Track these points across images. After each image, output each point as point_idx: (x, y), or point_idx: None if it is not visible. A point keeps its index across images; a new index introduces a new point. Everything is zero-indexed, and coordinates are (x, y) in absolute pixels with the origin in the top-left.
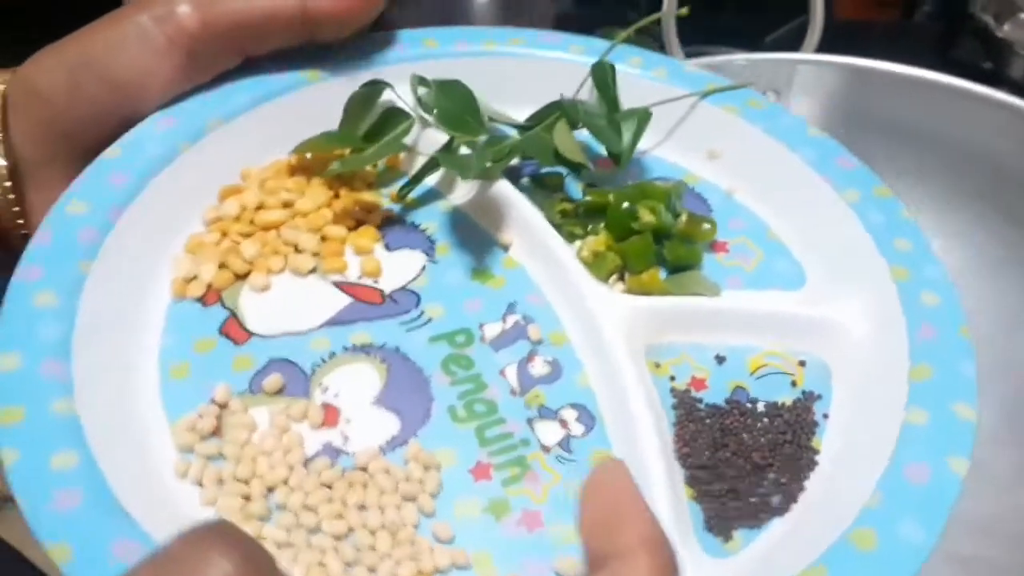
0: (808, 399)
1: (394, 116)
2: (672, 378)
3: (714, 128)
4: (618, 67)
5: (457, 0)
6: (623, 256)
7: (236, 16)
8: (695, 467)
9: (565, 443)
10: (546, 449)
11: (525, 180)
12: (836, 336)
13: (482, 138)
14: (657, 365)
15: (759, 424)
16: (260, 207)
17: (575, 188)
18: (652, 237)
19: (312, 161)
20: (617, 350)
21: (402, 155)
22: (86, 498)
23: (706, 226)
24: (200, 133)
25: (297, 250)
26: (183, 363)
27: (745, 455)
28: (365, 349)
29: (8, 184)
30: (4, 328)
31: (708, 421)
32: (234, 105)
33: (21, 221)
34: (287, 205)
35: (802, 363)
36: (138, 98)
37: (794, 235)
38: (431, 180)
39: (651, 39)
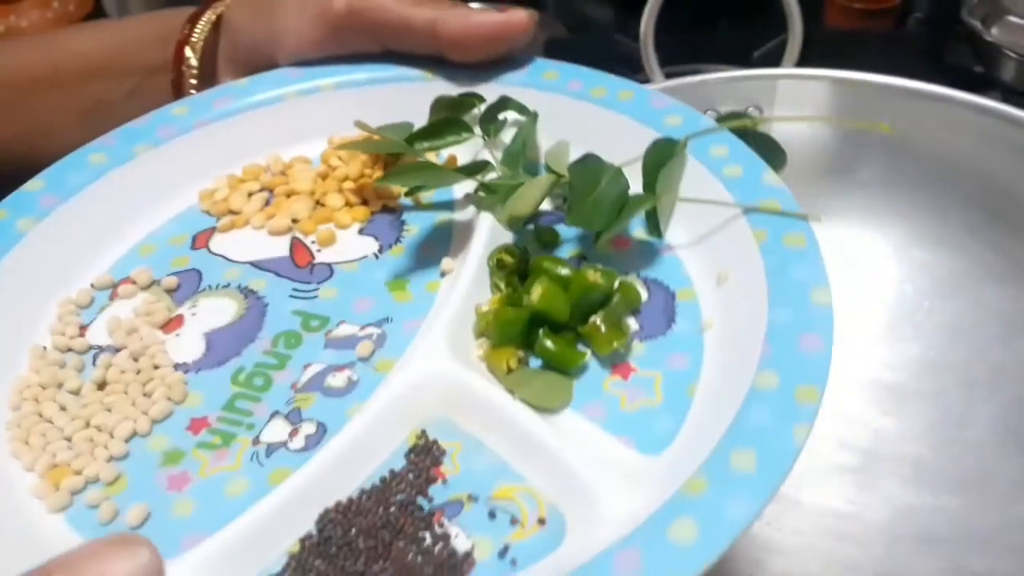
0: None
1: (456, 126)
2: (416, 450)
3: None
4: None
5: None
6: (502, 332)
7: (375, 13)
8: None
9: (273, 448)
10: (256, 441)
11: (530, 225)
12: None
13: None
14: (422, 433)
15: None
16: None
17: (572, 246)
18: (528, 319)
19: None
20: (389, 409)
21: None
22: None
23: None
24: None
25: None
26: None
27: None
28: (244, 291)
29: (194, 81)
30: None
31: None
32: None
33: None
34: (333, 168)
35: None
36: (281, 50)
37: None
38: (456, 192)
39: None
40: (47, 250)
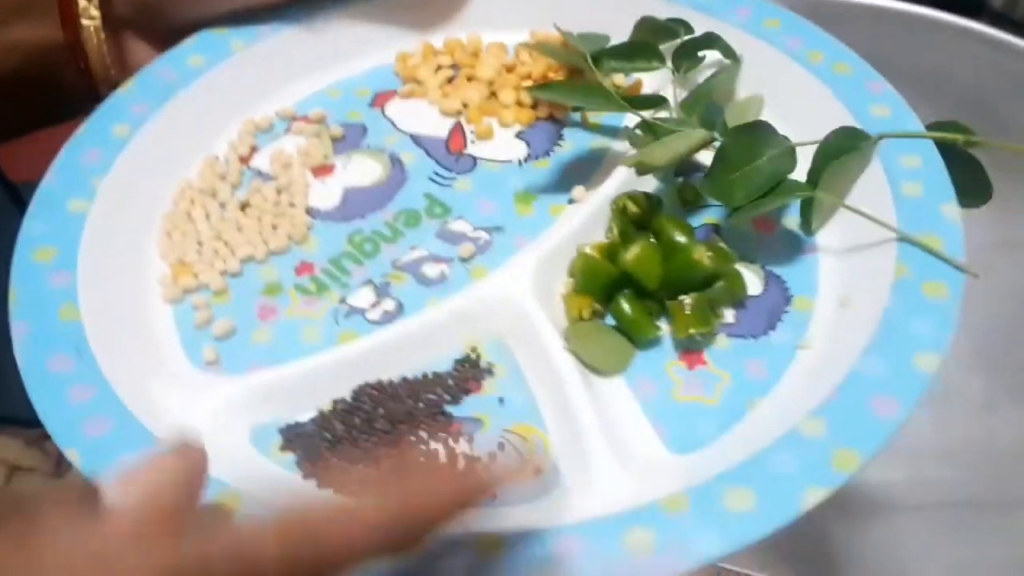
0: None
1: (647, 52)
2: (465, 360)
3: None
4: None
5: None
6: (586, 281)
7: None
8: None
9: (353, 312)
10: (342, 301)
11: (680, 178)
12: None
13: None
14: (475, 348)
15: None
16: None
17: (714, 212)
18: (617, 277)
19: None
20: (459, 315)
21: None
22: None
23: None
24: None
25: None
26: None
27: None
28: (394, 159)
29: (103, 37)
30: None
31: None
32: None
33: (113, 72)
34: (521, 63)
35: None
36: None
37: None
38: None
39: None
40: (249, 72)
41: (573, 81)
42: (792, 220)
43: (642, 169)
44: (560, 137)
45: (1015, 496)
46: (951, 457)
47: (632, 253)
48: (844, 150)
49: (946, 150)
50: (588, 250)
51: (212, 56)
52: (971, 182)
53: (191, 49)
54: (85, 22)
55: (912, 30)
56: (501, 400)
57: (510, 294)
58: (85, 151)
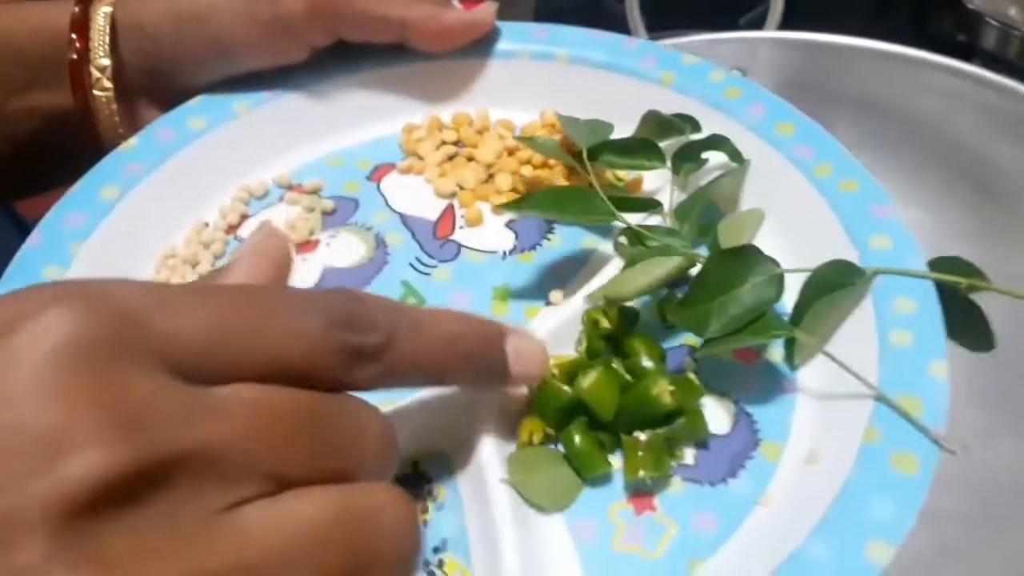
0: None
1: (647, 150)
2: (404, 480)
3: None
4: None
5: None
6: (540, 404)
7: (341, 9)
8: None
9: None
10: None
11: (664, 290)
12: None
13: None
14: (416, 464)
15: None
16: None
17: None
18: (571, 403)
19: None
20: (402, 423)
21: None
22: None
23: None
24: None
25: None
26: None
27: None
28: (379, 240)
29: (115, 107)
30: None
31: None
32: None
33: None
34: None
35: None
36: (233, 60)
37: None
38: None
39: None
40: (251, 136)
41: (556, 187)
42: (776, 351)
43: (610, 302)
44: (551, 230)
45: (1013, 529)
46: (954, 486)
47: (588, 380)
48: (834, 287)
49: (946, 291)
50: (552, 364)
51: (214, 118)
52: (969, 327)
53: (193, 111)
54: (97, 92)
55: (906, 72)
56: (435, 529)
57: (462, 405)
58: (70, 214)
